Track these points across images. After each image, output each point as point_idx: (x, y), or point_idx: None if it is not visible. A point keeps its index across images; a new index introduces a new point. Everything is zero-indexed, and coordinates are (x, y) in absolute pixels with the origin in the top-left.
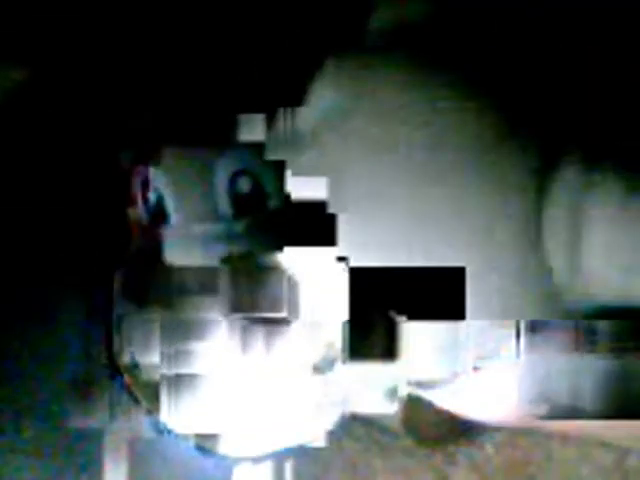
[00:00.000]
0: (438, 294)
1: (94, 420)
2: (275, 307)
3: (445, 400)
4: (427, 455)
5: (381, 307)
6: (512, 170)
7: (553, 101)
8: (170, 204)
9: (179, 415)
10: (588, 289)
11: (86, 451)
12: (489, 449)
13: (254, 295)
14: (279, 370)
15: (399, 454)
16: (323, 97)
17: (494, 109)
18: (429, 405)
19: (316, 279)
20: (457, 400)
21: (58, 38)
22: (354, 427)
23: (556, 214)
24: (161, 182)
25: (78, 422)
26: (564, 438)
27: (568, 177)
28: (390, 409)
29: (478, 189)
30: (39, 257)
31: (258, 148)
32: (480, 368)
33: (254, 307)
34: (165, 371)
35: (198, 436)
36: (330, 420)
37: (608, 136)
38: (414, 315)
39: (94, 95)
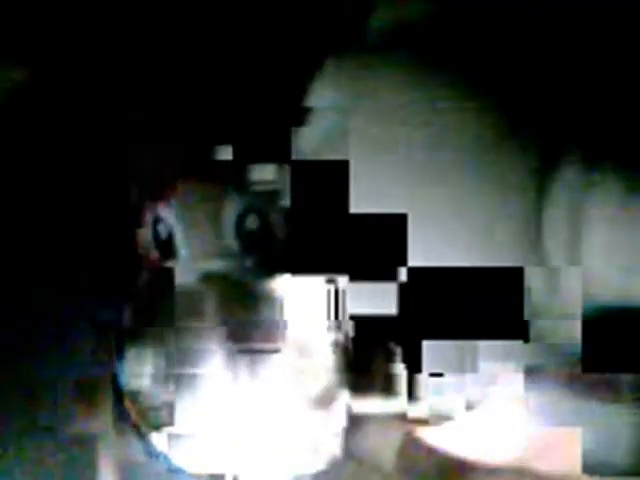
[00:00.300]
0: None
1: (96, 427)
2: (271, 338)
3: (441, 439)
4: None
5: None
6: (512, 170)
7: (553, 101)
8: (179, 239)
9: (178, 445)
10: (587, 290)
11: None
12: None
13: (250, 325)
14: (278, 402)
15: None
16: (323, 97)
17: (494, 109)
18: (426, 442)
19: (310, 307)
20: (454, 439)
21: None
22: (345, 465)
23: (556, 214)
24: (171, 217)
25: (80, 428)
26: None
27: (568, 177)
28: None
29: (478, 189)
30: (51, 266)
31: (267, 187)
32: (478, 404)
33: (250, 337)
34: (166, 398)
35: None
36: (328, 454)
37: (608, 136)
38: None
39: (107, 130)
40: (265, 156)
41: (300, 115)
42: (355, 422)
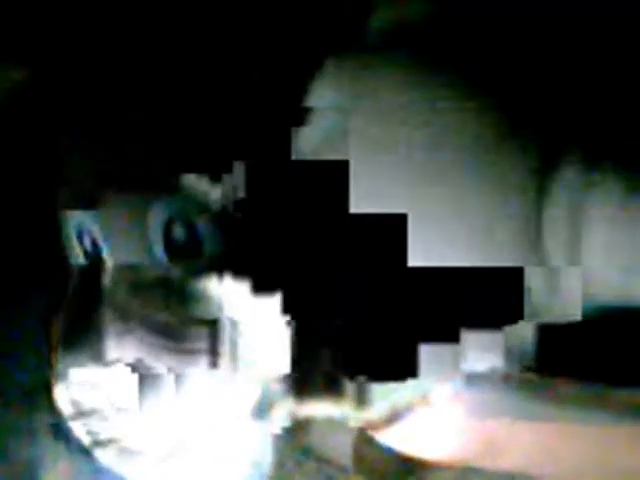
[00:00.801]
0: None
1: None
2: (206, 344)
3: (393, 438)
4: None
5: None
6: (512, 170)
7: (553, 101)
8: (105, 250)
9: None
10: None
11: None
12: None
13: (184, 329)
14: (215, 414)
15: None
16: (323, 97)
17: (494, 109)
18: (379, 442)
19: (251, 320)
20: (405, 438)
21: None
22: (305, 462)
23: (556, 214)
24: (94, 227)
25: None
26: (516, 476)
27: (568, 177)
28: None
29: (478, 189)
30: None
31: (193, 194)
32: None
33: (184, 341)
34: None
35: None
36: (267, 464)
37: (608, 136)
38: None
39: (37, 134)
40: (265, 156)
41: (300, 115)
42: (310, 423)
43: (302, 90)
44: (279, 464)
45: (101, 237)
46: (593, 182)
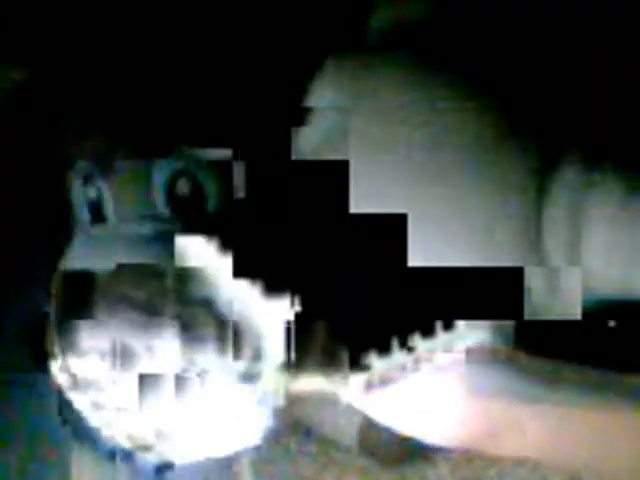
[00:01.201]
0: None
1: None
2: (203, 315)
3: (397, 421)
4: (381, 472)
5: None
6: (512, 170)
7: (553, 101)
8: (109, 203)
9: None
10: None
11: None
12: (443, 468)
13: (177, 300)
14: (205, 378)
15: (354, 472)
16: (323, 97)
17: (494, 109)
18: (383, 425)
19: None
20: (406, 420)
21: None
22: (309, 443)
23: (556, 214)
24: (100, 180)
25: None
26: (517, 459)
27: (568, 177)
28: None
29: (478, 189)
30: None
31: (198, 149)
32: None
33: (176, 312)
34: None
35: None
36: (262, 426)
37: (608, 136)
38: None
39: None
40: (266, 155)
41: (300, 115)
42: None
43: (302, 90)
44: (281, 444)
45: (107, 190)
46: (593, 182)
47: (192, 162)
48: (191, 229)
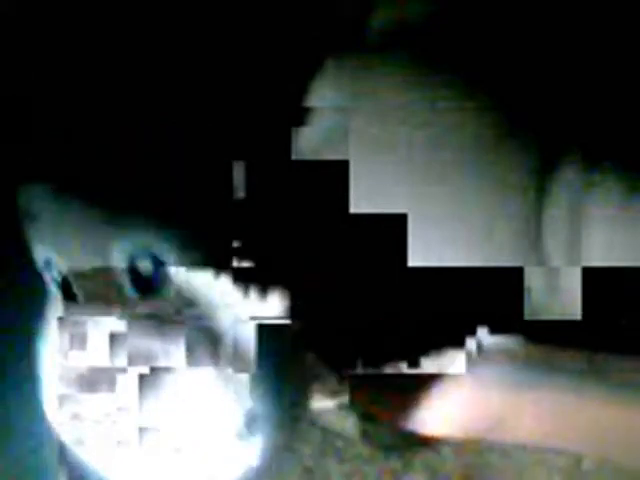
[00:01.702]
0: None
1: None
2: (173, 356)
3: (397, 412)
4: (384, 460)
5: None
6: (512, 170)
7: (553, 101)
8: (74, 285)
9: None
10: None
11: None
12: (446, 453)
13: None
14: (197, 433)
15: (355, 459)
16: (323, 97)
17: (494, 109)
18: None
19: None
20: (410, 412)
21: None
22: (310, 432)
23: (556, 214)
24: (60, 263)
25: None
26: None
27: (568, 177)
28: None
29: (478, 189)
30: None
31: (158, 225)
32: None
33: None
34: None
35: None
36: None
37: (608, 136)
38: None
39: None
40: (266, 155)
41: (300, 115)
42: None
43: (302, 90)
44: (285, 433)
45: (68, 274)
46: (593, 182)
47: (152, 242)
48: (159, 310)
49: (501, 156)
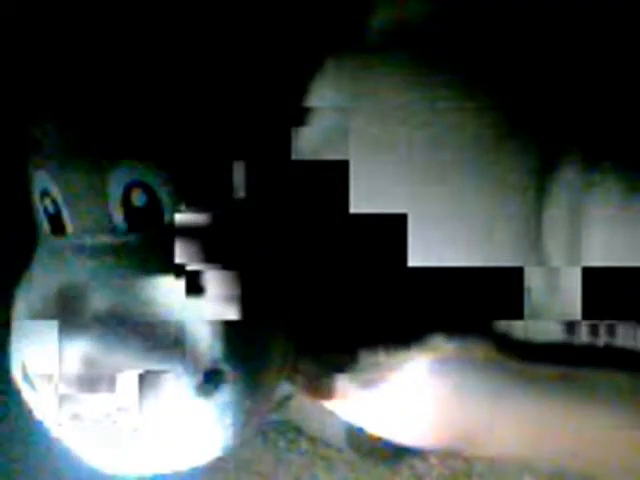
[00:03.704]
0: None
1: None
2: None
3: (374, 425)
4: (371, 467)
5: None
6: (512, 170)
7: (553, 101)
8: (65, 215)
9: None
10: None
11: None
12: (432, 460)
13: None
14: (159, 393)
15: (343, 467)
16: (323, 97)
17: (494, 109)
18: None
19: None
20: (389, 423)
21: None
22: (299, 441)
23: (556, 214)
24: (55, 191)
25: None
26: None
27: (568, 177)
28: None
29: (478, 189)
30: None
31: (154, 160)
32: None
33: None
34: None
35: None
36: (221, 441)
37: (608, 136)
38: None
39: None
40: (266, 155)
41: (300, 115)
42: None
43: (302, 90)
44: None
45: (62, 202)
46: (593, 182)
47: (148, 173)
48: (148, 242)
49: (501, 156)
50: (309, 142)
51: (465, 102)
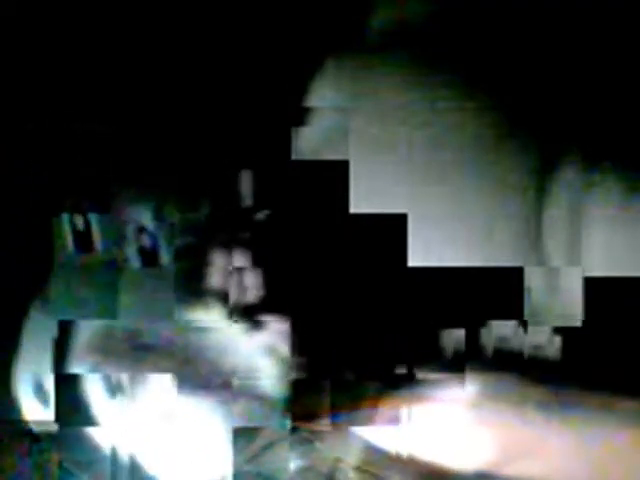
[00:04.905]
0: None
1: None
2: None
3: (406, 445)
4: None
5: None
6: (512, 170)
7: (553, 101)
8: (97, 233)
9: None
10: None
11: None
12: None
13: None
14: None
15: None
16: (323, 97)
17: (494, 109)
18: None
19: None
20: (418, 444)
21: None
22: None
23: (556, 214)
24: (88, 211)
25: None
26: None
27: (568, 177)
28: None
29: (478, 189)
30: None
31: (154, 206)
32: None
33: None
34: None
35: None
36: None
37: (608, 136)
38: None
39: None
40: (265, 155)
41: (300, 115)
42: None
43: (302, 90)
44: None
45: (95, 221)
46: (593, 182)
47: (149, 219)
48: (152, 279)
49: (501, 156)
50: (309, 142)
51: (465, 102)
